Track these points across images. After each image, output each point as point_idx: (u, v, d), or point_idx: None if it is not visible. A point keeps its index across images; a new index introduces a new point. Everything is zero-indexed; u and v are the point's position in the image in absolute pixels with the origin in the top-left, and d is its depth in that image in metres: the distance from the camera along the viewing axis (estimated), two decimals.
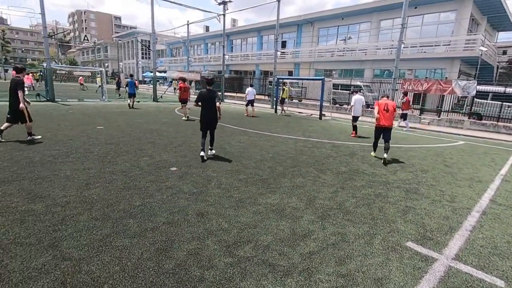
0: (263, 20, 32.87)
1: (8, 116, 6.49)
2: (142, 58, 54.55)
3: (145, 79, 48.50)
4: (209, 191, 4.22)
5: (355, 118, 10.11)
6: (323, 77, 15.49)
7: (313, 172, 5.52)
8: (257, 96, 26.54)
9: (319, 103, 15.75)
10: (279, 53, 20.69)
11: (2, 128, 6.48)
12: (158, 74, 29.53)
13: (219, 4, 23.49)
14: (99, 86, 28.77)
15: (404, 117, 12.74)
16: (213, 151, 6.28)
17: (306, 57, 27.52)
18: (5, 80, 38.48)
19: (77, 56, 78.99)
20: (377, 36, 23.58)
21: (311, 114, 16.79)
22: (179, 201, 3.81)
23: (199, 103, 5.87)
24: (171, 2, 21.91)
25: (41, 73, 27.29)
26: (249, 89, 14.54)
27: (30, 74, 23.29)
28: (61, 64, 53.18)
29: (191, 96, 12.69)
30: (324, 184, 4.88)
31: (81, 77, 31.87)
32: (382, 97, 7.04)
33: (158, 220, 3.27)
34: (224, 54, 24.98)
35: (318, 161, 6.37)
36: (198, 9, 25.61)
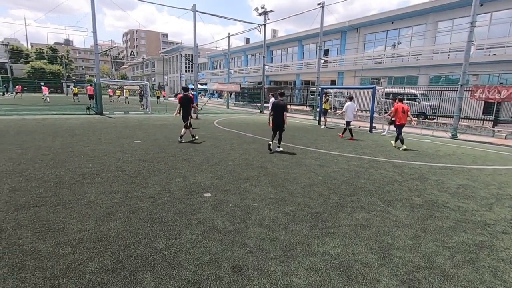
0: (303, 29, 32.04)
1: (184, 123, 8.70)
2: (186, 71, 56.90)
3: (192, 92, 50.08)
4: (249, 230, 3.34)
5: (348, 123, 11.13)
6: (374, 85, 14.01)
7: (378, 203, 4.37)
8: (298, 107, 25.66)
9: (366, 114, 14.24)
10: (322, 61, 19.55)
11: (182, 133, 8.82)
12: (199, 86, 30.10)
13: (260, 14, 23.23)
14: (126, 98, 30.12)
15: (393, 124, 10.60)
16: (281, 148, 7.90)
17: (351, 65, 25.91)
18: (66, 95, 42.46)
19: (128, 72, 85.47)
20: (433, 39, 21.26)
21: (359, 126, 15.28)
22: (211, 245, 2.98)
23: (271, 111, 7.84)
24: (212, 15, 22.16)
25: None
26: (272, 99, 14.29)
27: (91, 87, 25.24)
28: (114, 79, 57.56)
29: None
30: (397, 223, 3.72)
31: (110, 90, 33.25)
32: (398, 101, 9.40)
33: (181, 277, 2.46)
34: (264, 65, 24.54)
35: (380, 187, 5.17)
36: (239, 20, 25.76)
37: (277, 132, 7.83)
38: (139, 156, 6.71)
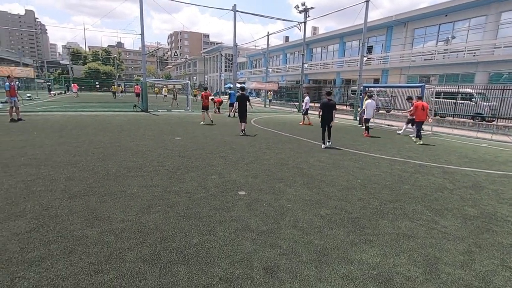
0: (345, 26, 30.80)
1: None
2: (225, 70, 58.23)
3: (226, 90, 51.33)
4: (282, 231, 3.28)
5: (367, 120, 11.50)
6: (423, 84, 13.00)
7: (424, 212, 4.01)
8: (337, 107, 24.75)
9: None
10: (364, 59, 18.64)
11: (242, 128, 10.09)
12: (238, 85, 30.60)
13: (300, 12, 22.84)
14: (164, 96, 31.45)
15: (411, 122, 11.19)
16: (330, 142, 8.50)
17: (397, 62, 24.36)
18: (114, 97, 45.73)
19: (172, 71, 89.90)
20: (495, 32, 19.09)
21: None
22: (243, 243, 2.98)
23: (321, 110, 8.52)
24: (252, 14, 22.32)
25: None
26: (307, 98, 15.04)
27: (138, 86, 27.29)
28: (159, 78, 60.97)
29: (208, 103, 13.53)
30: (446, 235, 3.38)
31: (164, 88, 35.05)
32: (418, 99, 10.41)
33: (213, 273, 2.49)
34: (303, 63, 24.11)
35: (427, 194, 4.76)
36: (279, 19, 25.57)
37: (327, 129, 8.47)
38: (179, 152, 6.99)
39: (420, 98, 10.55)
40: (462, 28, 21.28)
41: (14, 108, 11.01)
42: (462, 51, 20.39)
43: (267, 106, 28.89)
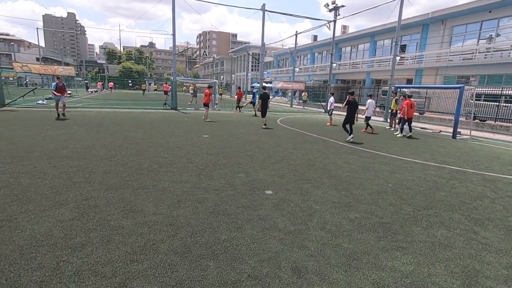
0: (376, 24, 29.78)
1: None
2: (252, 70, 58.51)
3: (253, 90, 51.61)
4: (310, 233, 3.25)
5: (367, 118, 12.25)
6: (462, 85, 12.23)
7: (463, 221, 3.78)
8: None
9: (448, 117, 12.51)
10: (397, 58, 17.88)
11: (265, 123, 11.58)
12: (264, 84, 30.63)
13: (330, 10, 22.40)
14: (191, 93, 32.09)
15: (399, 120, 11.95)
16: (352, 136, 9.33)
17: (432, 62, 23.11)
18: (147, 91, 47.71)
19: (200, 71, 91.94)
20: None
21: (440, 131, 13.54)
22: (271, 242, 2.99)
23: (347, 106, 9.52)
24: (281, 14, 22.23)
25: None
26: (332, 98, 15.11)
27: (167, 85, 28.29)
28: (187, 77, 62.61)
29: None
30: (488, 246, 3.16)
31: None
32: (408, 97, 11.50)
33: (242, 269, 2.52)
34: (332, 63, 23.63)
35: (465, 202, 4.48)
36: (307, 17, 25.23)
37: (350, 126, 9.39)
38: (206, 149, 7.15)
39: (409, 97, 11.66)
40: (508, 25, 19.72)
41: (62, 105, 11.72)
42: (508, 50, 18.89)
43: (293, 106, 28.65)
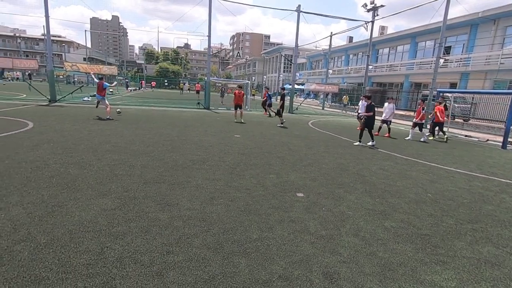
0: (417, 25, 28.21)
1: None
2: (284, 71, 58.32)
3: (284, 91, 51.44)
4: (342, 238, 3.17)
5: (383, 121, 11.81)
6: None
7: None
8: (404, 113, 22.84)
9: (497, 125, 11.49)
10: (441, 61, 16.82)
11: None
12: (296, 86, 30.38)
13: (368, 11, 21.65)
14: (220, 94, 32.37)
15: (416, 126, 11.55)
16: (371, 143, 9.14)
17: (481, 65, 21.40)
18: (182, 90, 49.44)
19: (233, 71, 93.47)
20: None
21: (487, 140, 12.51)
22: (302, 245, 2.96)
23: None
24: (316, 15, 21.92)
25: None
26: (361, 103, 14.50)
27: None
28: (220, 78, 63.99)
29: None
30: None
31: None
32: (440, 103, 11.84)
33: (272, 270, 2.53)
34: (368, 65, 22.83)
35: None
36: (344, 18, 24.60)
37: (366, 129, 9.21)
38: (238, 149, 7.25)
39: (440, 103, 11.90)
40: None
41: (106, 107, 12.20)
42: None
43: (325, 109, 28.09)
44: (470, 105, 18.46)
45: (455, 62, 23.80)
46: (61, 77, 43.81)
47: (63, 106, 14.96)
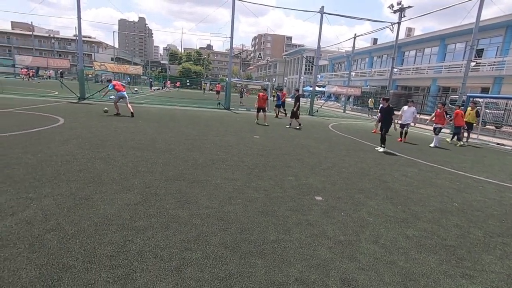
0: (447, 26, 27.00)
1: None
2: (305, 73, 57.84)
3: (304, 93, 51.09)
4: (361, 245, 3.10)
5: (402, 126, 11.13)
6: None
7: None
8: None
9: None
10: (472, 64, 16.01)
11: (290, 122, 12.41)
12: (317, 88, 30.03)
13: (395, 12, 21.02)
14: (239, 94, 32.42)
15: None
16: (382, 149, 8.60)
17: None
18: (204, 91, 50.27)
19: (253, 72, 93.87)
20: None
21: None
22: (319, 249, 2.93)
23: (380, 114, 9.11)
24: (340, 16, 21.56)
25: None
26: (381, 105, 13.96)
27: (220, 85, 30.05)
28: (241, 79, 64.51)
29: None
30: None
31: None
32: (459, 107, 12.01)
33: (289, 272, 2.52)
34: (392, 67, 22.17)
35: None
36: (368, 20, 24.02)
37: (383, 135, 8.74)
38: (257, 150, 7.27)
39: (459, 106, 12.04)
40: None
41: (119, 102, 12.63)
42: None
43: (346, 112, 27.56)
44: (503, 111, 17.42)
45: (488, 65, 22.57)
46: (90, 76, 45.90)
47: (91, 103, 15.66)
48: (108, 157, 5.48)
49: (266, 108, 13.16)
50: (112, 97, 19.80)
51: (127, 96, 12.04)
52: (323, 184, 4.99)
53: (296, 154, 7.23)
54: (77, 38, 17.19)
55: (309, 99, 23.37)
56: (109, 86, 11.93)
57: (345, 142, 9.86)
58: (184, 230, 3.06)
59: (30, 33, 61.89)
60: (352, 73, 31.92)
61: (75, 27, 17.65)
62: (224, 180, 4.74)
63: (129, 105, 11.90)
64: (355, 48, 31.34)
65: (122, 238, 2.79)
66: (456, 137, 11.81)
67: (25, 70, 39.23)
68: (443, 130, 11.84)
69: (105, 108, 12.09)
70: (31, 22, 56.87)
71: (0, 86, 18.95)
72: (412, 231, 3.53)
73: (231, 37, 18.28)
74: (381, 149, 8.59)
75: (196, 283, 2.27)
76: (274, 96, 29.73)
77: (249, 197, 4.15)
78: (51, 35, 69.59)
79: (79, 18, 16.13)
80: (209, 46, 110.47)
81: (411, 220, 3.85)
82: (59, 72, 43.80)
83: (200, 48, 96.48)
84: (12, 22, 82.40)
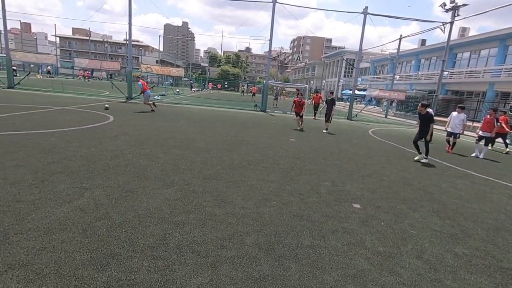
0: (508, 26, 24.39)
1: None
2: (344, 76, 56.15)
3: (343, 96, 49.60)
4: (403, 258, 2.91)
5: (449, 134, 10.17)
6: None
7: None
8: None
9: None
10: None
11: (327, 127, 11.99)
12: (357, 92, 28.96)
13: (447, 11, 19.53)
14: (274, 97, 32.03)
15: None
16: (426, 160, 7.79)
17: None
18: (242, 93, 51.09)
19: (291, 75, 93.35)
20: None
21: None
22: (356, 259, 2.81)
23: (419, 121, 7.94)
24: (385, 16, 20.59)
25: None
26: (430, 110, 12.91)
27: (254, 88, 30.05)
28: (278, 81, 64.55)
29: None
30: None
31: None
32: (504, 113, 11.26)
33: (324, 280, 2.45)
34: (442, 70, 20.61)
35: None
36: (416, 20, 22.57)
37: (425, 143, 7.85)
38: (293, 153, 7.21)
39: (505, 113, 11.32)
40: None
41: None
42: None
43: (388, 117, 26.21)
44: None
45: None
46: (136, 77, 49.30)
47: (137, 103, 16.76)
48: (151, 154, 5.82)
49: (303, 113, 12.30)
50: (156, 97, 21.05)
51: (150, 94, 13.61)
52: (362, 192, 4.79)
53: (333, 159, 7.04)
54: (127, 42, 18.54)
55: (348, 103, 22.62)
56: (139, 84, 13.44)
57: (386, 149, 9.37)
58: (220, 228, 3.13)
59: (87, 38, 68.13)
60: (396, 76, 30.26)
61: (126, 32, 19.05)
62: (259, 182, 4.78)
63: (150, 103, 13.38)
64: (401, 50, 29.66)
65: (162, 231, 2.94)
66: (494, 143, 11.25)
67: (83, 71, 43.40)
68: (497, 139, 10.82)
69: (106, 105, 12.69)
70: (89, 28, 62.66)
71: (61, 86, 21.12)
72: (461, 248, 3.24)
73: (270, 40, 18.39)
74: (424, 159, 7.79)
75: (230, 281, 2.31)
76: (312, 99, 28.84)
77: (284, 200, 4.12)
78: (105, 40, 75.91)
79: (129, 24, 17.40)
80: (248, 49, 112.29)
81: (460, 236, 3.54)
82: (109, 73, 47.60)
83: (239, 50, 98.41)
84: (73, 28, 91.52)
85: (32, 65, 41.50)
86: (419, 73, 35.61)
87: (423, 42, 41.21)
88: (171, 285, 2.20)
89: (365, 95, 38.46)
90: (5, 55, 18.62)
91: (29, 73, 25.77)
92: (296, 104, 12.18)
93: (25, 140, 5.86)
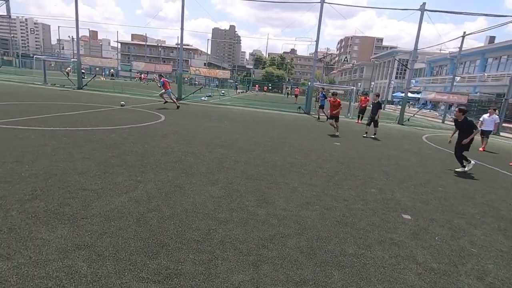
0: None
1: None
2: (396, 78, 52.74)
3: (394, 99, 46.61)
4: (461, 279, 2.64)
5: (483, 132, 10.46)
6: None
7: None
8: None
9: None
10: None
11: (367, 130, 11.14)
12: (410, 94, 26.99)
13: None
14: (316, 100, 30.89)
15: None
16: (464, 169, 6.82)
17: None
18: (286, 95, 50.93)
19: (336, 77, 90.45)
20: None
21: None
22: (405, 273, 2.62)
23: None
24: (445, 12, 18.87)
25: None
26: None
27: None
28: (323, 83, 63.01)
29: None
30: None
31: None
32: None
33: None
34: None
35: None
36: (484, 14, 20.25)
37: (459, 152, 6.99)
38: (337, 157, 6.98)
39: None
40: None
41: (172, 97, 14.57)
42: None
43: (445, 122, 23.94)
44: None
45: None
46: (185, 79, 52.06)
47: (186, 104, 17.71)
48: (198, 152, 6.10)
49: (338, 114, 10.73)
50: (203, 98, 22.00)
51: (171, 92, 14.44)
52: (413, 202, 4.45)
53: (380, 165, 6.66)
54: (179, 46, 19.71)
55: (399, 106, 21.17)
56: (161, 82, 14.14)
57: (442, 157, 8.57)
58: (262, 228, 3.17)
59: (144, 43, 73.91)
60: (456, 77, 27.51)
61: (178, 37, 20.29)
62: (301, 185, 4.72)
63: (165, 97, 14.18)
64: (464, 49, 26.91)
65: (207, 227, 3.07)
66: None
67: (142, 74, 47.40)
68: None
69: (122, 102, 13.28)
70: (145, 34, 67.85)
71: (121, 87, 23.22)
72: None
73: (317, 41, 18.06)
74: (459, 169, 6.86)
75: (271, 281, 2.32)
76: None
77: (327, 205, 4.01)
78: (159, 44, 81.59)
79: (181, 29, 18.47)
80: (293, 51, 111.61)
81: None
82: (160, 75, 51.11)
83: (284, 52, 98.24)
84: (132, 34, 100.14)
85: (97, 68, 46.39)
86: (485, 74, 31.92)
87: (491, 39, 36.90)
88: (214, 278, 2.28)
89: (419, 98, 35.64)
90: (76, 60, 21.12)
91: (95, 75, 28.77)
92: (330, 105, 10.89)
93: (91, 135, 6.57)
